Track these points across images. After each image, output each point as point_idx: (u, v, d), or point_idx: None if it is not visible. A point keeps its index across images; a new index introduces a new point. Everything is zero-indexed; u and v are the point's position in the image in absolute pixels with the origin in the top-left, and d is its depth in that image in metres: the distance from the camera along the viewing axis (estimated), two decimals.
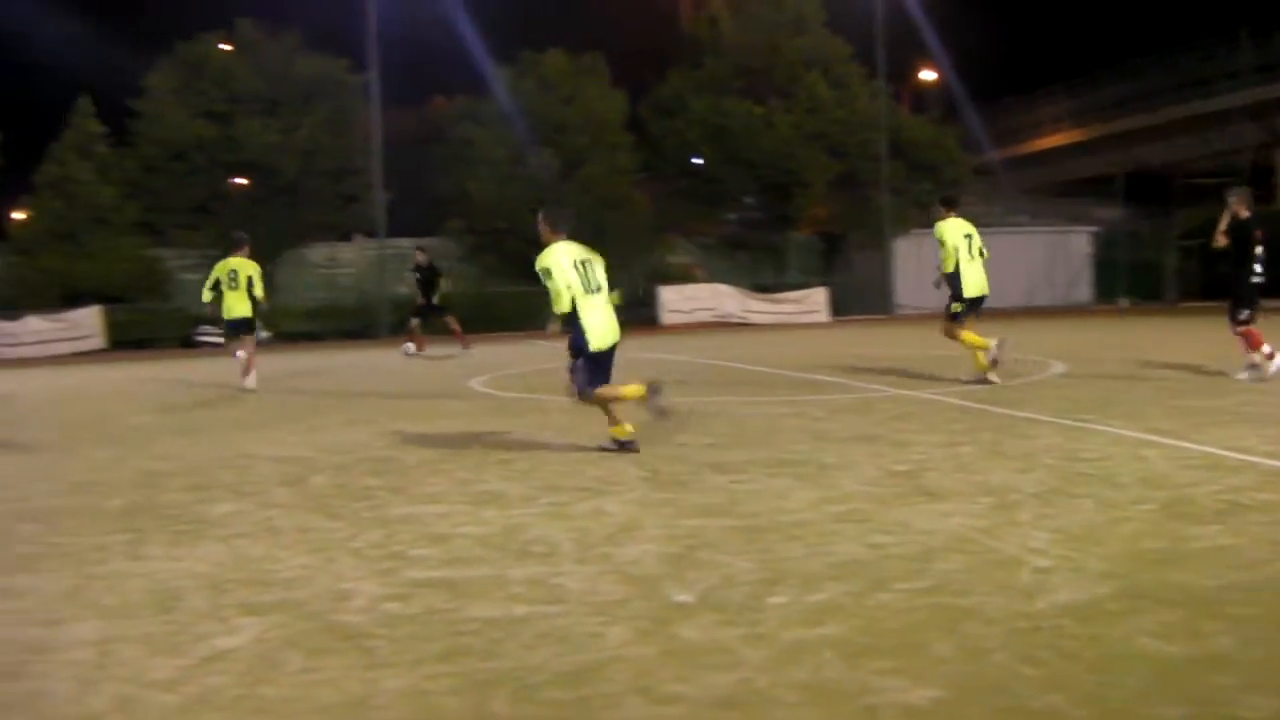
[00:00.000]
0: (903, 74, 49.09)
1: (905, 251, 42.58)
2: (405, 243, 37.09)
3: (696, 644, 4.67)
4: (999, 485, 7.60)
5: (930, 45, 48.75)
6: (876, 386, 14.35)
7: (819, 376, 15.87)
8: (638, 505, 7.36)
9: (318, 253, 36.90)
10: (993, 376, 14.31)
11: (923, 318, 35.56)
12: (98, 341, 31.09)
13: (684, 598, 5.28)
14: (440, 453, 10.14)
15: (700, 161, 42.28)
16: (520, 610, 5.19)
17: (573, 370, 9.92)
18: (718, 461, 8.98)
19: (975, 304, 14.70)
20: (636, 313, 38.30)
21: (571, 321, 9.80)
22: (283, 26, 37.18)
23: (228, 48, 36.96)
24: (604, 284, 9.93)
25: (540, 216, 10.18)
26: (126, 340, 30.37)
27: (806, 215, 43.38)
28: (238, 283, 17.65)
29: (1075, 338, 24.68)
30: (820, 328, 35.36)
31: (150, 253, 34.09)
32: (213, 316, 19.16)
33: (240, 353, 17.71)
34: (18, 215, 41.08)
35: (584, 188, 38.11)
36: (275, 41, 36.76)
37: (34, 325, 31.46)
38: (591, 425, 10.75)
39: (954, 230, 14.72)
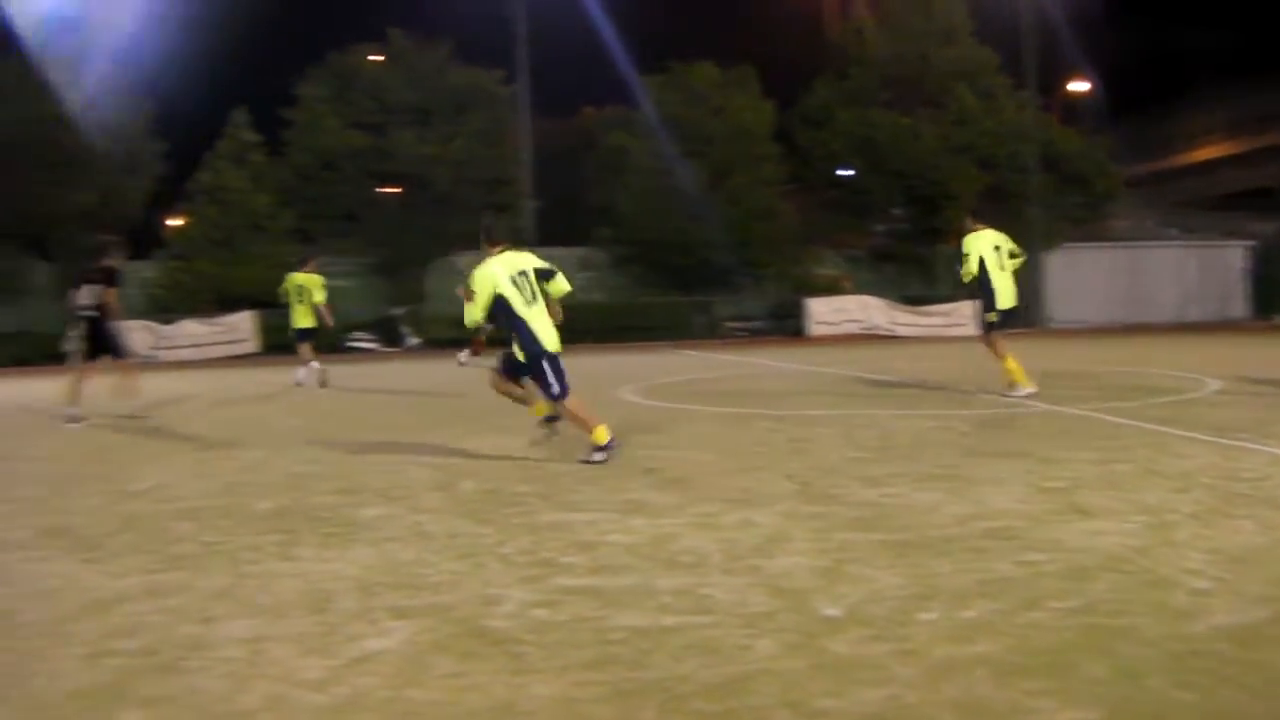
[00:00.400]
0: (1052, 84, 48.34)
1: (1056, 265, 41.94)
2: (555, 252, 37.29)
3: (846, 658, 4.62)
4: (1154, 504, 7.43)
5: (1079, 55, 48.02)
6: (1026, 401, 14.13)
7: (967, 390, 15.67)
8: (786, 517, 7.31)
9: (467, 261, 37.26)
10: (1027, 390, 14.48)
11: (1075, 332, 35.04)
12: (251, 345, 31.70)
13: (833, 611, 5.23)
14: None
15: (850, 173, 42.05)
16: (668, 620, 5.18)
17: (545, 380, 10.23)
18: (866, 475, 8.90)
19: (1008, 316, 14.81)
20: (782, 324, 38.23)
21: (522, 331, 10.17)
22: (434, 38, 37.63)
23: (379, 59, 37.49)
24: (539, 292, 10.27)
25: (481, 231, 10.70)
26: (279, 344, 30.83)
27: (955, 227, 42.86)
28: (304, 297, 19.98)
29: (1230, 354, 24.10)
30: (968, 341, 34.93)
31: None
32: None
33: (314, 363, 19.84)
34: (175, 222, 42.08)
35: (731, 199, 38.08)
36: (426, 53, 37.21)
37: (190, 329, 32.17)
38: (740, 436, 10.72)
39: (982, 242, 14.83)
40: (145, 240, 38.16)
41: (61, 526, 8.05)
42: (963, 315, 38.12)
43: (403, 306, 33.83)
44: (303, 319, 20.43)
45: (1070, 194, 42.57)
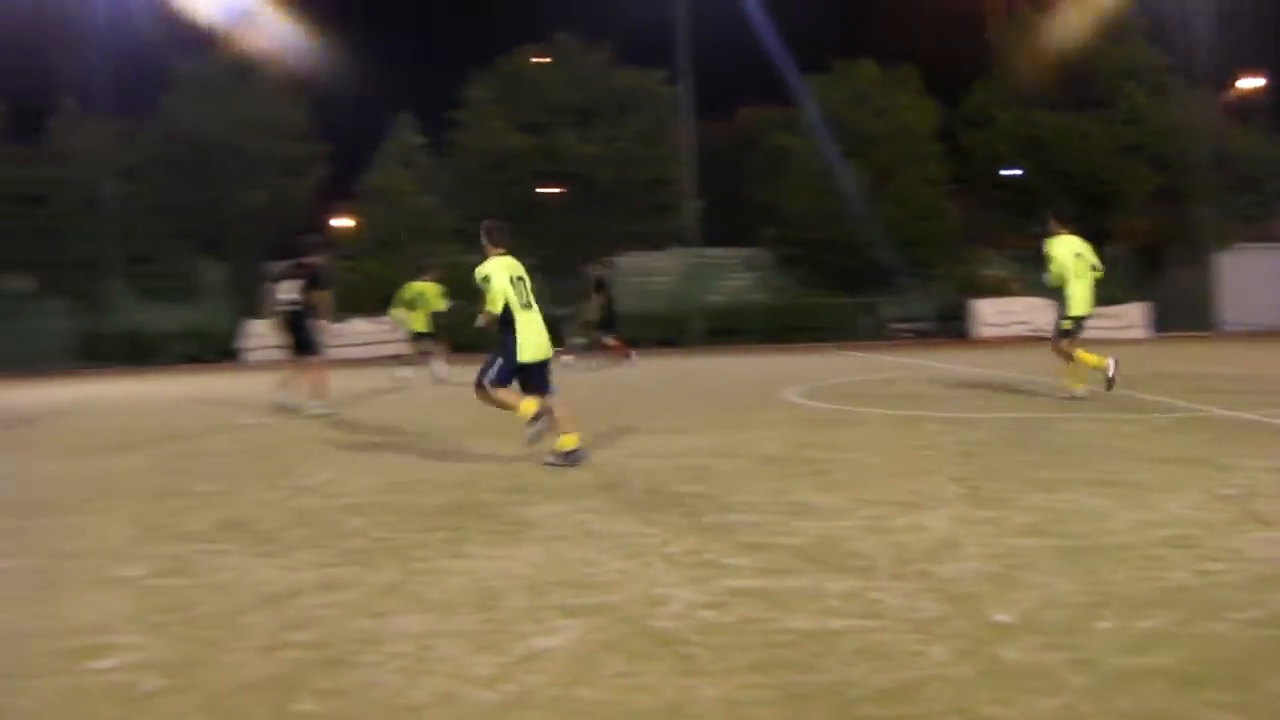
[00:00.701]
0: (1224, 81, 47.07)
1: (1228, 266, 40.93)
2: (717, 252, 37.34)
3: (1017, 666, 4.55)
4: None
5: (1253, 51, 46.66)
6: (1198, 406, 13.81)
7: (1137, 394, 15.34)
8: (957, 522, 7.22)
9: (631, 262, 37.36)
10: (1080, 392, 14.68)
11: (1249, 335, 34.17)
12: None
13: (1004, 618, 5.16)
14: (755, 462, 10.13)
15: (1016, 173, 41.40)
16: (837, 624, 5.14)
17: (487, 367, 10.61)
18: (1038, 479, 8.75)
19: (1081, 322, 14.84)
20: (948, 326, 37.80)
21: (506, 332, 10.51)
22: (597, 39, 37.84)
23: (544, 60, 37.80)
24: (534, 300, 10.70)
25: (483, 232, 11.05)
26: (462, 343, 31.11)
27: (1124, 228, 42.05)
28: (422, 304, 22.51)
29: None
30: (1138, 344, 34.25)
31: (468, 259, 35.02)
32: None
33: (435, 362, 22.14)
34: (340, 222, 42.85)
35: (896, 199, 37.75)
36: (590, 54, 37.43)
37: (359, 327, 32.72)
38: (907, 438, 10.63)
39: (1064, 247, 14.78)
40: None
41: (237, 520, 8.24)
42: (1132, 318, 37.43)
43: (567, 307, 34.03)
44: (419, 324, 23.02)
45: (1243, 193, 41.52)
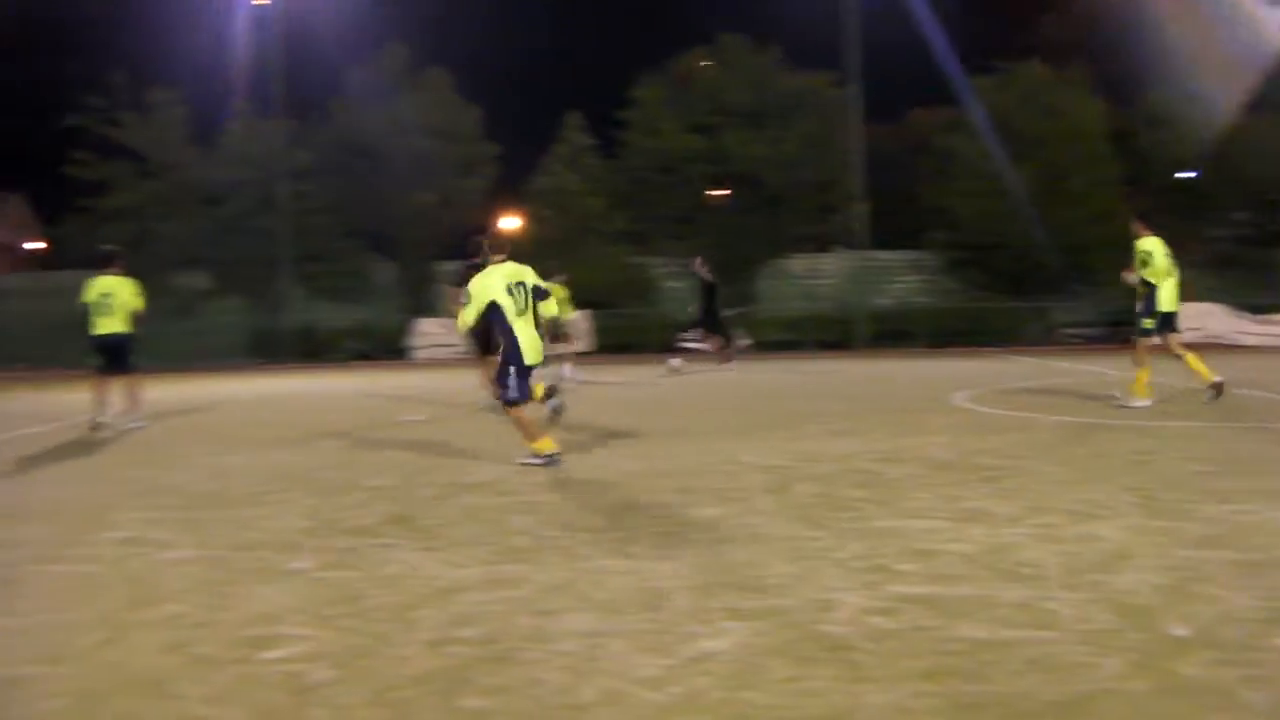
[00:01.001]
0: None
1: None
2: (884, 255, 37.06)
3: (1194, 682, 4.45)
4: None
5: None
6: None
7: None
8: (1131, 531, 7.08)
9: (798, 263, 37.22)
10: (1142, 402, 14.64)
11: None
12: (585, 344, 32.32)
13: (1181, 632, 5.05)
14: (924, 467, 10.04)
15: (1192, 175, 40.41)
16: (1008, 633, 5.08)
17: (505, 382, 10.94)
18: (1214, 489, 8.54)
19: (1168, 320, 14.76)
20: (1120, 331, 37.05)
21: (509, 341, 10.86)
22: (766, 41, 37.73)
23: (710, 63, 37.77)
24: (531, 306, 10.98)
25: (485, 239, 11.78)
26: (611, 344, 31.36)
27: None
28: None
29: None
30: None
31: (635, 260, 35.14)
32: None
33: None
34: (507, 222, 43.29)
35: (1070, 201, 37.08)
36: (759, 56, 37.32)
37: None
38: (1079, 446, 10.46)
39: (1160, 246, 14.82)
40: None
41: (406, 515, 8.37)
42: None
43: (734, 308, 34.00)
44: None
45: None
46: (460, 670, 4.83)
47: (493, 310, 10.89)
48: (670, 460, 10.92)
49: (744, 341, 32.69)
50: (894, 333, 34.85)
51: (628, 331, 32.96)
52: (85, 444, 14.27)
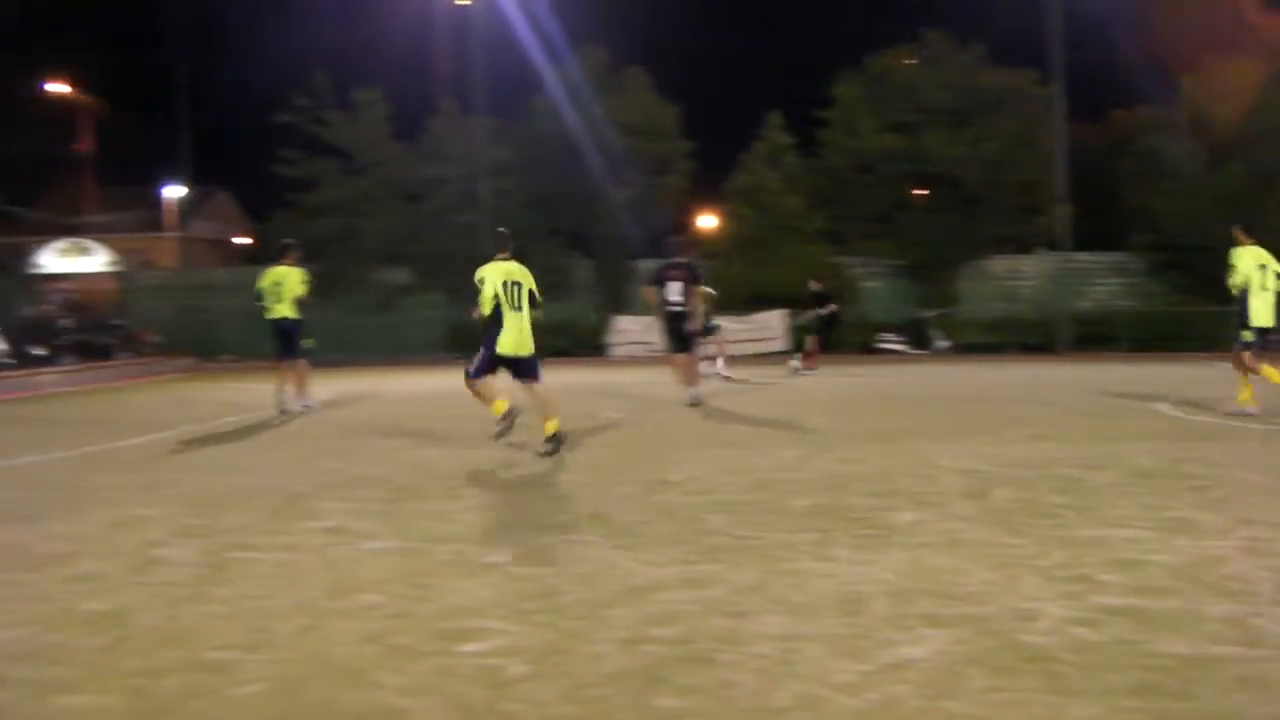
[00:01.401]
0: None
1: None
2: (1086, 257, 36.29)
3: None
4: None
5: None
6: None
7: None
8: None
9: (998, 265, 36.62)
10: (1253, 409, 14.34)
11: None
12: (781, 343, 32.19)
13: None
14: (1127, 474, 9.81)
15: None
16: (1216, 650, 4.94)
17: (475, 359, 12.34)
18: None
19: (1263, 334, 14.50)
20: None
21: (493, 326, 12.16)
22: (968, 38, 37.19)
23: (912, 61, 37.31)
24: (525, 304, 12.25)
25: (496, 239, 12.89)
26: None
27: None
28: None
29: None
30: None
31: (834, 260, 34.90)
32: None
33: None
34: (705, 221, 43.32)
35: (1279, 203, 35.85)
36: (960, 54, 36.80)
37: (723, 326, 33.07)
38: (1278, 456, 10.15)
39: (1249, 257, 14.65)
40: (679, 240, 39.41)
41: (601, 513, 8.45)
42: None
43: (933, 309, 33.59)
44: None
45: None
46: (654, 669, 4.85)
47: (510, 293, 12.16)
48: (866, 462, 10.84)
49: (943, 343, 32.32)
50: (1095, 336, 34.02)
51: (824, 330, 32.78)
52: (286, 433, 14.66)
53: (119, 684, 4.91)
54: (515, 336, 12.16)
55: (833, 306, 25.66)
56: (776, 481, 9.73)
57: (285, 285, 17.17)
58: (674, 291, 17.09)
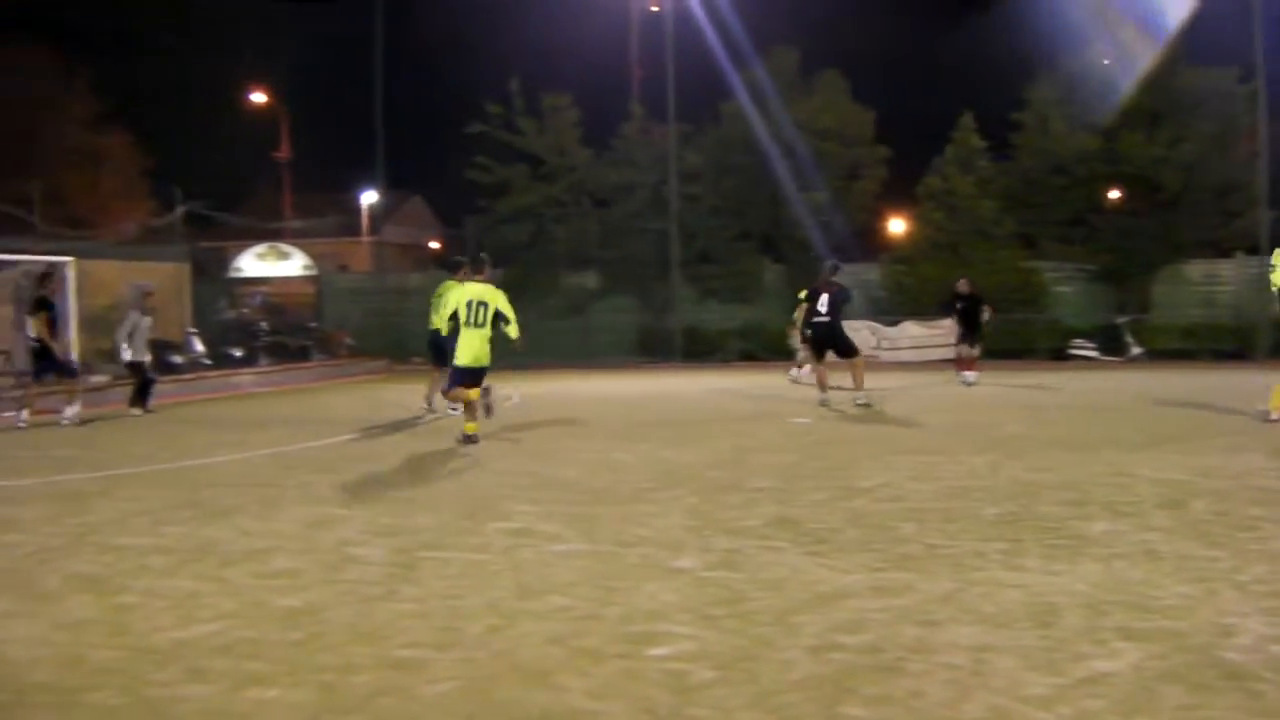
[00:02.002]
0: None
1: None
2: None
3: None
4: None
5: None
6: None
7: None
8: None
9: (1195, 269, 35.71)
10: (1276, 415, 14.40)
11: None
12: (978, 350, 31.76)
13: None
14: None
15: None
16: None
17: (450, 378, 14.19)
18: None
19: None
20: None
21: (455, 341, 13.99)
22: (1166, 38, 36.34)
23: (1108, 60, 36.54)
24: (487, 322, 13.88)
25: (468, 261, 15.61)
26: (1000, 350, 30.75)
27: None
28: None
29: None
30: None
31: (1026, 264, 34.35)
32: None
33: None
34: (897, 224, 42.95)
35: None
36: (1157, 53, 35.96)
37: (911, 330, 32.72)
38: None
39: None
40: (868, 244, 39.25)
41: (790, 518, 8.44)
42: None
43: (1126, 315, 32.87)
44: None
45: None
46: (842, 678, 4.84)
47: (454, 317, 13.88)
48: (1057, 470, 10.66)
49: (1136, 350, 31.63)
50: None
51: (1016, 336, 32.27)
52: (483, 436, 14.84)
53: (311, 679, 5.04)
54: (474, 351, 13.85)
55: (985, 310, 25.01)
56: (966, 489, 9.63)
57: (443, 299, 17.39)
58: (824, 304, 17.75)
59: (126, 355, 18.91)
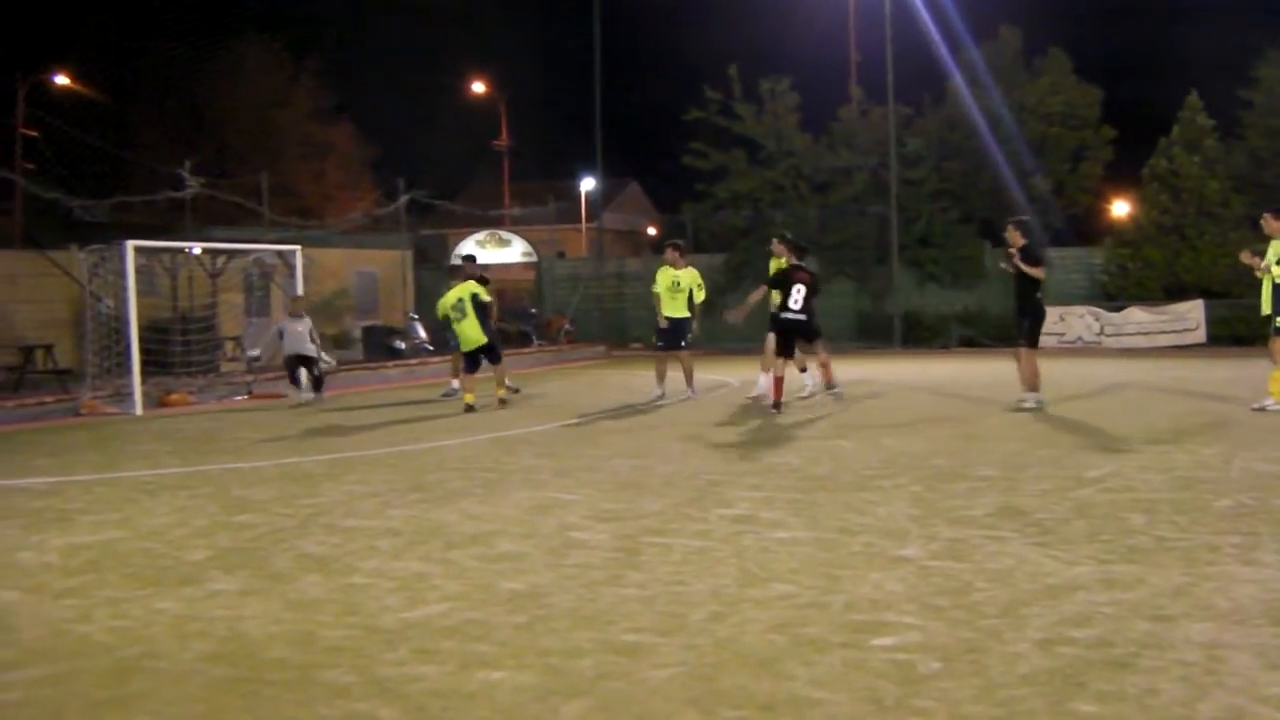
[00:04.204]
0: None
1: None
2: None
3: None
4: None
5: None
6: None
7: None
8: None
9: None
10: (1273, 405, 14.12)
11: None
12: (1199, 335, 30.87)
13: None
14: None
15: None
16: None
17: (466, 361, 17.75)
18: None
19: None
20: None
21: (453, 334, 17.93)
22: None
23: None
24: (469, 312, 17.24)
25: (462, 268, 19.34)
26: (1224, 336, 29.82)
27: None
28: None
29: None
30: None
31: (1256, 248, 33.30)
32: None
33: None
34: (1121, 208, 41.90)
35: None
36: None
37: (1137, 316, 31.87)
38: None
39: None
40: (1092, 227, 38.43)
41: (1016, 508, 8.33)
42: None
43: None
44: None
45: None
46: (1072, 672, 4.77)
47: (456, 308, 17.33)
48: None
49: None
50: None
51: (1243, 322, 31.24)
52: (697, 420, 14.88)
53: (536, 661, 5.14)
54: (469, 335, 17.35)
55: None
56: (1197, 480, 9.37)
57: (681, 289, 18.20)
58: (797, 298, 16.13)
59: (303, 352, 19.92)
